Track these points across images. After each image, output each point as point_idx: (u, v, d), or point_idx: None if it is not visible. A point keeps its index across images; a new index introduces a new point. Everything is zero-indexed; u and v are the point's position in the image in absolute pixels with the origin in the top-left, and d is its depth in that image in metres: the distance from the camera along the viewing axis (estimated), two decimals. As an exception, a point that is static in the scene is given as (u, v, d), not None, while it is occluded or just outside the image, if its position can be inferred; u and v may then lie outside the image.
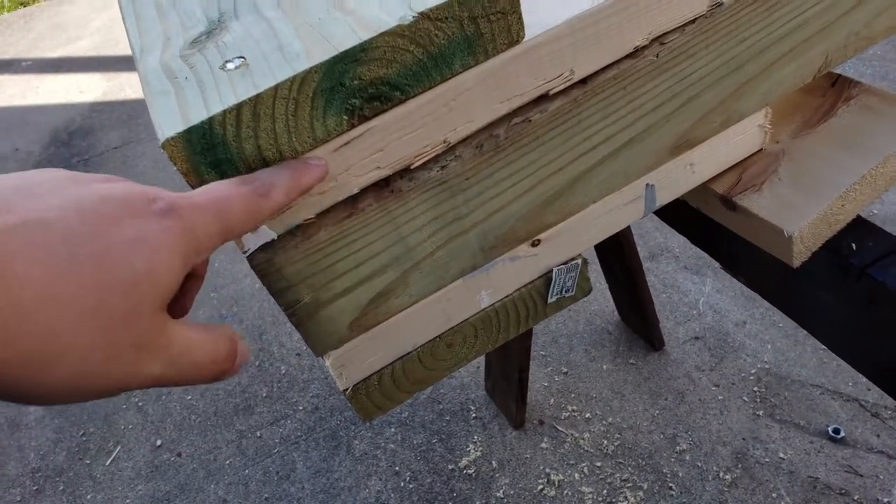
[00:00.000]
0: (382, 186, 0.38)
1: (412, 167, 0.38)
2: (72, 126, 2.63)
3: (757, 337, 1.34)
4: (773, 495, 1.09)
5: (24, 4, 3.81)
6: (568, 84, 0.40)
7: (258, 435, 1.37)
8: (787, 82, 0.49)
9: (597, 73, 0.41)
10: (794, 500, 1.08)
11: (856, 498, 1.07)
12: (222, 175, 0.33)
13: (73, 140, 2.54)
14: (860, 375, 1.23)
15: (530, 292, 0.50)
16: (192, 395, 1.49)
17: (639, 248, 1.25)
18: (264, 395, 1.45)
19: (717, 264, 1.52)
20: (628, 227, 1.14)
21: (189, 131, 0.31)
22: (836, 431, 1.15)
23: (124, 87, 2.82)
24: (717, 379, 1.29)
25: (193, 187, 0.33)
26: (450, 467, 1.23)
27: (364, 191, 0.38)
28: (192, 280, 0.34)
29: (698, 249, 1.55)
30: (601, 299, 1.48)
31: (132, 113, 2.61)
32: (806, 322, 0.56)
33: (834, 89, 0.56)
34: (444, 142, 0.38)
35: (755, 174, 0.52)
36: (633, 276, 1.19)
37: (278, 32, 0.35)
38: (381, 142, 0.36)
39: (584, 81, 0.41)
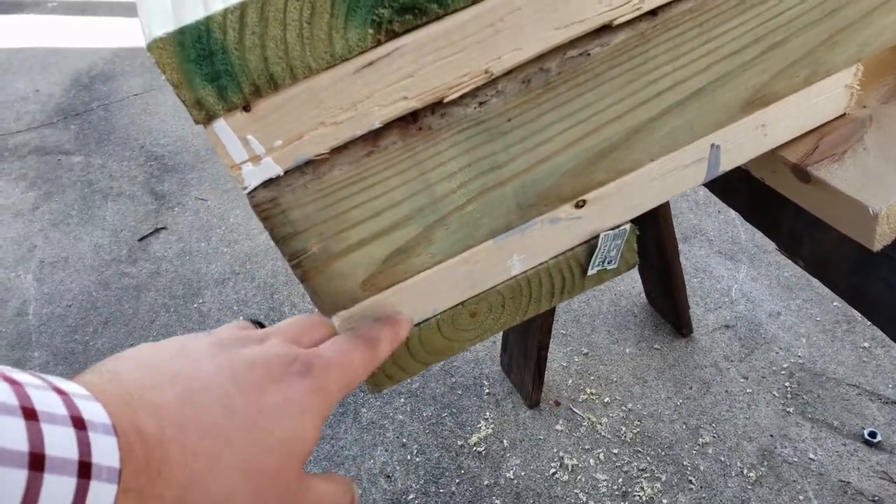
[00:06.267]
0: (409, 122, 0.33)
1: (446, 101, 0.33)
2: (93, 70, 2.59)
3: (792, 329, 1.27)
4: (800, 497, 1.03)
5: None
6: (636, 14, 0.34)
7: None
8: (887, 34, 0.42)
9: (670, 4, 0.34)
10: (822, 503, 1.02)
11: (888, 506, 1.01)
12: (220, 91, 0.27)
13: (95, 84, 2.51)
14: (901, 377, 1.16)
15: (568, 261, 0.44)
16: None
17: (673, 229, 1.18)
18: (274, 356, 1.42)
19: (752, 250, 1.45)
20: (668, 205, 1.07)
21: (182, 32, 0.25)
22: (873, 435, 1.08)
23: (150, 35, 2.78)
24: (747, 371, 1.22)
25: (186, 103, 0.28)
26: (459, 443, 1.19)
27: (388, 125, 0.32)
28: None
29: (734, 234, 1.48)
30: (628, 280, 1.42)
31: (156, 61, 2.57)
32: (875, 314, 0.50)
33: (933, 51, 0.49)
34: (486, 72, 0.32)
35: (836, 142, 0.45)
36: (667, 257, 1.12)
37: None
38: (412, 65, 0.30)
39: (654, 13, 0.34)
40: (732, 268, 1.42)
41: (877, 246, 0.43)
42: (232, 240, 1.74)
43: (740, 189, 0.56)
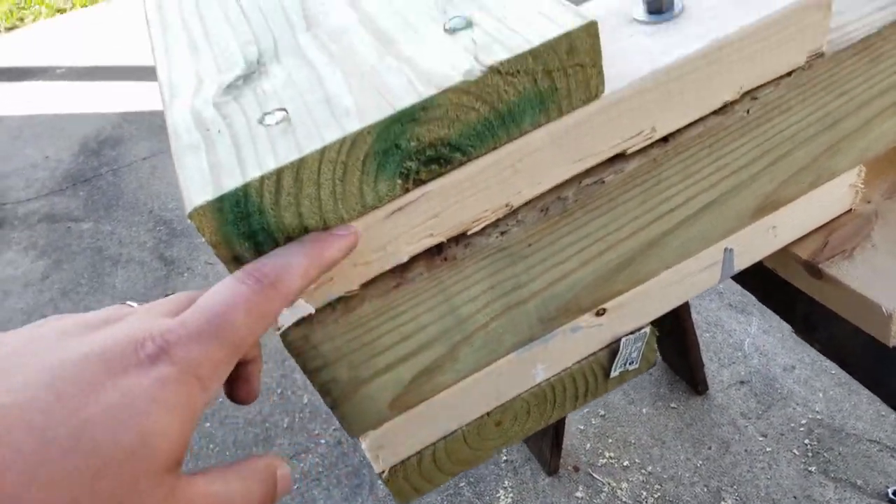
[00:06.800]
0: (435, 253, 0.34)
1: (469, 233, 0.34)
2: (102, 135, 2.64)
3: (807, 384, 1.27)
4: (829, 563, 1.01)
5: (62, 11, 3.87)
6: (648, 142, 0.35)
7: (280, 467, 1.33)
8: (887, 138, 0.43)
9: (680, 131, 0.36)
10: (851, 568, 1.00)
11: (919, 569, 0.99)
12: (257, 246, 0.28)
13: (103, 149, 2.55)
14: (921, 432, 1.15)
15: (591, 365, 0.44)
16: (211, 423, 1.45)
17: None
18: (285, 425, 1.41)
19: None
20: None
21: (221, 199, 0.27)
22: (897, 494, 1.07)
23: (155, 97, 2.83)
24: (765, 428, 1.21)
25: (224, 260, 0.29)
26: (478, 512, 1.18)
27: (414, 258, 0.34)
28: (250, 365, 0.30)
29: (742, 286, 1.49)
30: (639, 337, 1.42)
31: (162, 123, 2.59)
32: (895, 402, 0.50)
33: (933, 143, 0.50)
34: (507, 205, 0.34)
35: (844, 238, 0.47)
36: (679, 316, 1.12)
37: (324, 81, 0.30)
38: (437, 207, 0.32)
39: (665, 140, 0.36)
40: (744, 321, 1.42)
41: (893, 342, 0.44)
42: (242, 305, 1.74)
43: (754, 276, 0.57)
